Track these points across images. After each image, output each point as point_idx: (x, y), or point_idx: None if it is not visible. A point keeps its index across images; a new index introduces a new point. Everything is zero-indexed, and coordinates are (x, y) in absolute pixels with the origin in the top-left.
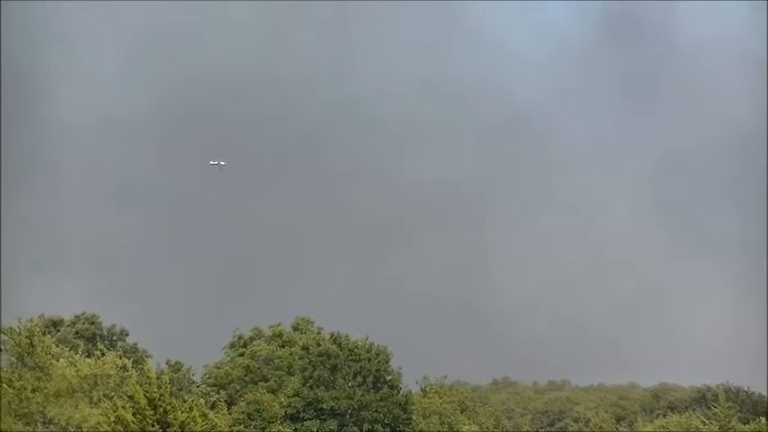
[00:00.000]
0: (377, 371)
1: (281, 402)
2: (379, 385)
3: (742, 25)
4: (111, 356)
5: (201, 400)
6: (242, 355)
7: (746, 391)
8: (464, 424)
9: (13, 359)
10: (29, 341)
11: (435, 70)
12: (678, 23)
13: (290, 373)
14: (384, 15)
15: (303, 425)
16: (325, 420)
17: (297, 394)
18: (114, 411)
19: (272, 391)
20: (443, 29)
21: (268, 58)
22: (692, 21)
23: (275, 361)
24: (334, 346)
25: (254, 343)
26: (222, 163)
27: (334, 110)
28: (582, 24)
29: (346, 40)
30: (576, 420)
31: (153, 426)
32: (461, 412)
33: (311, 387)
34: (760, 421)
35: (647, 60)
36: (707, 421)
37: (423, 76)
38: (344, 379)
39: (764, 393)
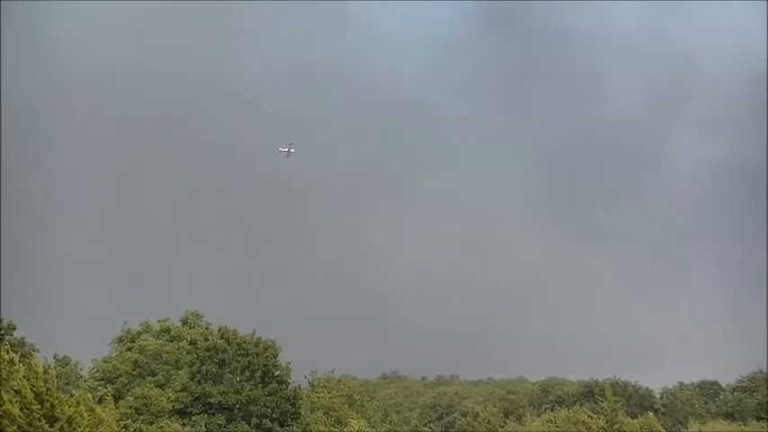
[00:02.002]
0: (265, 365)
1: (169, 397)
2: (267, 380)
3: (625, 20)
4: None
5: (89, 395)
6: (130, 349)
7: (633, 386)
8: (352, 418)
9: None
10: None
11: (320, 64)
12: (563, 18)
13: (177, 368)
14: (268, 11)
15: (191, 419)
16: (213, 415)
17: (185, 389)
18: (0, 406)
19: (160, 386)
20: (329, 24)
21: (145, 51)
22: (577, 15)
23: (163, 355)
24: (222, 340)
25: (141, 337)
26: (292, 150)
27: (215, 104)
28: (468, 18)
29: (227, 32)
30: (464, 414)
31: (40, 420)
32: (349, 406)
33: (199, 382)
34: (648, 415)
35: (532, 54)
36: (594, 415)
37: (307, 69)
38: (232, 374)
39: (653, 388)
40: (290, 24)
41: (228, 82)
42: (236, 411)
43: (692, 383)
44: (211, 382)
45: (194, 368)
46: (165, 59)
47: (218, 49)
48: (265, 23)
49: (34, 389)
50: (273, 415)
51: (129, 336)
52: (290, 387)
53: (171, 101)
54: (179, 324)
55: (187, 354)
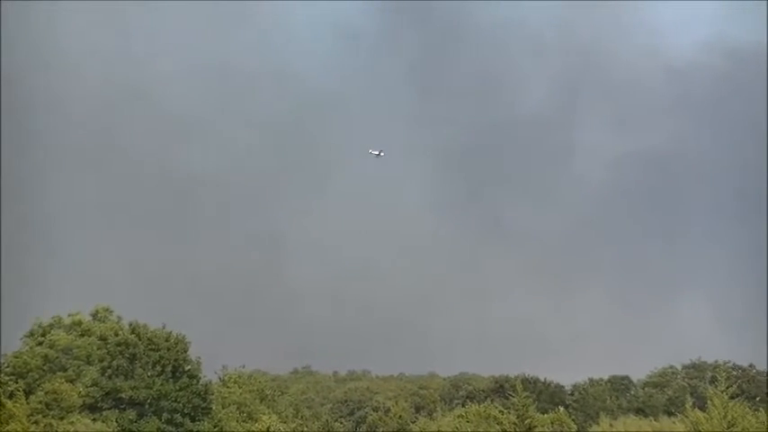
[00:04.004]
0: (175, 360)
1: (80, 392)
2: (178, 375)
3: (534, 11)
4: None
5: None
6: (41, 344)
7: (543, 382)
8: (263, 413)
9: None
10: None
11: (223, 59)
12: (469, 15)
13: (88, 363)
14: (171, 4)
15: (102, 415)
16: (124, 410)
17: (95, 384)
18: None
19: (71, 381)
20: (231, 18)
21: (40, 43)
22: (484, 12)
23: (74, 350)
24: (132, 335)
25: (52, 332)
26: (382, 153)
27: (115, 98)
28: (373, 14)
29: (131, 31)
30: (375, 410)
31: None
32: (261, 401)
33: (110, 377)
34: (558, 410)
35: (438, 46)
36: (505, 411)
37: (210, 64)
38: (143, 368)
39: (563, 383)
40: (194, 23)
41: (132, 81)
42: (147, 406)
43: (601, 379)
44: (122, 377)
45: (105, 363)
46: (65, 57)
47: (122, 47)
48: (168, 22)
49: None
50: (184, 410)
51: (41, 330)
52: (200, 382)
53: (74, 99)
54: (89, 318)
55: (98, 349)
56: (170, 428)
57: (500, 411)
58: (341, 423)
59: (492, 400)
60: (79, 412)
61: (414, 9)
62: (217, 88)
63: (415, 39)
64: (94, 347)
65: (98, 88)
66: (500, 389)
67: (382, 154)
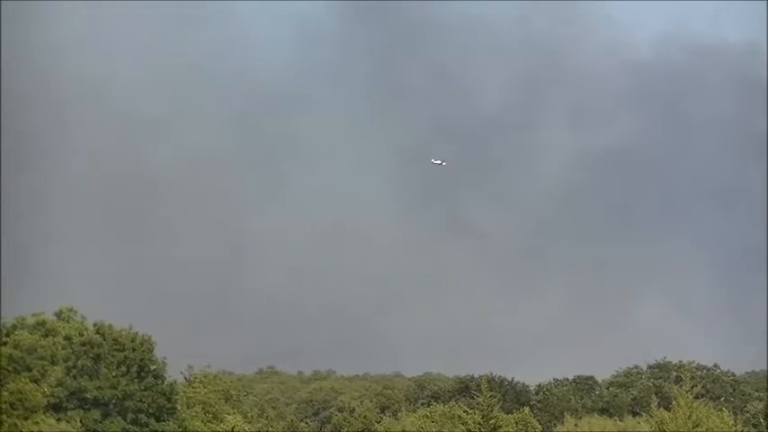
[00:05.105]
0: (141, 360)
1: (44, 392)
2: (143, 375)
3: (493, 10)
4: None
5: None
6: (5, 344)
7: (510, 382)
8: (228, 413)
9: None
10: None
11: (184, 59)
12: (428, 9)
13: (53, 363)
14: (133, 5)
15: (66, 415)
16: (88, 410)
17: (60, 384)
18: None
19: (36, 381)
20: (193, 19)
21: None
22: (443, 6)
23: (38, 350)
24: (97, 335)
25: (16, 332)
26: (444, 163)
27: (75, 96)
28: (331, 12)
29: (87, 31)
30: (340, 410)
31: None
32: (226, 401)
33: (75, 377)
34: (523, 410)
35: (398, 46)
36: (470, 410)
37: (172, 64)
38: (108, 368)
39: (528, 383)
40: (156, 23)
41: (91, 80)
42: (111, 406)
43: (566, 379)
44: (87, 377)
45: (69, 363)
46: (22, 56)
47: (77, 47)
48: (130, 23)
49: None
50: (149, 410)
51: (5, 330)
52: (165, 382)
53: (34, 96)
54: (53, 318)
55: (62, 349)
56: (135, 428)
57: (465, 411)
58: (306, 423)
59: (457, 400)
60: (44, 412)
61: (374, 10)
62: (179, 88)
63: (376, 39)
64: (59, 347)
65: (58, 86)
66: (465, 389)
67: (444, 163)
